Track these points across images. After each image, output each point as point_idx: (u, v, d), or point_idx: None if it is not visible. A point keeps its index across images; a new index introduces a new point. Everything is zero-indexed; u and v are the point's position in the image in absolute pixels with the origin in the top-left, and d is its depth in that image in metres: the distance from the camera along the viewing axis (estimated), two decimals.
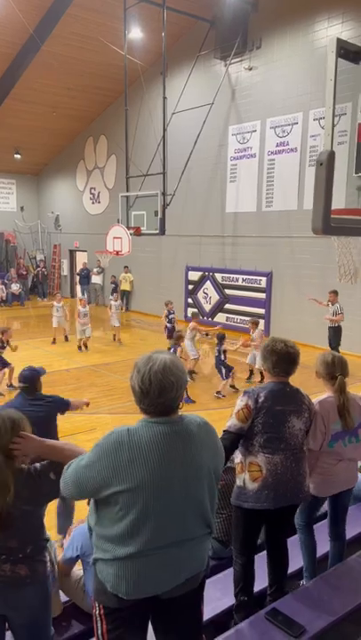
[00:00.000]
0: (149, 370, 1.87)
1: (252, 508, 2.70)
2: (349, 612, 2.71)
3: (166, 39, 11.86)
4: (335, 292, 10.21)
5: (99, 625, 2.02)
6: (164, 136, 12.63)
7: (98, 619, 2.02)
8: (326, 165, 3.01)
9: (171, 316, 11.97)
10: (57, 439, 4.06)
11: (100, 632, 2.02)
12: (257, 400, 2.70)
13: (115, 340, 13.14)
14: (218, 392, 8.91)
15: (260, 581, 2.92)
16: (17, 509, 2.14)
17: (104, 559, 1.93)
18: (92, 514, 1.98)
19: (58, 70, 14.97)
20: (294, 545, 3.24)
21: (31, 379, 4.23)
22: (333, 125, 3.08)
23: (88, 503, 2.06)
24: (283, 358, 2.78)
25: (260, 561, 2.95)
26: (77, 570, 3.11)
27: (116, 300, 13.49)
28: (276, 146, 12.91)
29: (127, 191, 13.56)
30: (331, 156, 2.99)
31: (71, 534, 3.10)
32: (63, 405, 4.42)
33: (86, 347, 12.35)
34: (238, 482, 2.81)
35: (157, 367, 1.87)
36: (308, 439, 2.99)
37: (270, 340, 2.88)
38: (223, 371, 8.97)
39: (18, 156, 19.58)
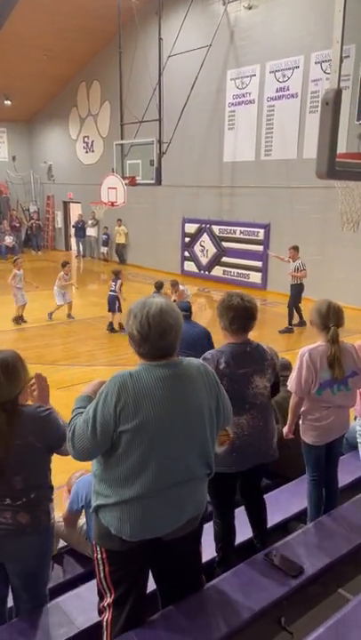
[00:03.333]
0: (146, 314, 1.87)
1: (223, 473, 2.61)
2: (345, 555, 2.76)
3: None
4: (296, 248, 9.96)
5: (101, 568, 2.05)
6: (159, 80, 12.16)
7: (100, 562, 2.05)
8: (333, 105, 2.87)
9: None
10: None
11: (102, 575, 2.05)
12: (218, 367, 2.58)
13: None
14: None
15: (242, 535, 2.94)
16: (21, 440, 2.14)
17: (107, 504, 1.93)
18: (96, 460, 1.98)
19: (48, 10, 14.22)
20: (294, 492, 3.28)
21: (189, 307, 5.12)
22: (341, 61, 2.91)
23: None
24: (240, 314, 2.65)
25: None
26: (81, 520, 3.16)
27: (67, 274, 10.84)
28: (276, 91, 12.45)
29: (122, 139, 13.15)
30: (338, 94, 2.85)
31: (74, 486, 3.12)
32: None
33: (23, 318, 10.58)
34: None
35: (154, 311, 1.87)
36: (292, 386, 3.01)
37: (226, 295, 2.73)
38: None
39: (8, 103, 18.90)
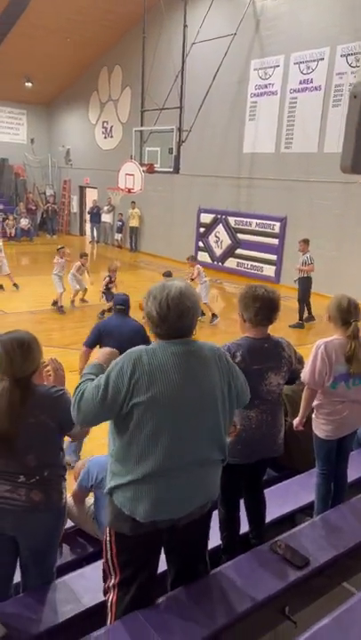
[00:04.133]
0: (166, 296, 1.93)
1: (230, 464, 2.61)
2: (351, 549, 2.77)
3: None
4: (306, 241, 9.88)
5: (109, 549, 2.08)
6: (182, 67, 12.06)
7: (108, 544, 2.08)
8: None
9: None
10: None
11: (109, 556, 2.08)
12: (233, 360, 2.50)
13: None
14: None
15: (246, 525, 2.95)
16: (35, 418, 2.17)
17: (120, 484, 1.95)
18: (112, 440, 2.00)
19: None
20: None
21: (126, 301, 5.01)
22: None
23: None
24: (266, 305, 2.64)
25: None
26: (89, 499, 3.19)
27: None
28: (300, 83, 12.30)
29: (141, 125, 13.10)
30: None
31: (87, 463, 3.15)
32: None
33: (1, 287, 11.39)
34: None
35: (174, 293, 1.93)
36: (306, 377, 2.98)
37: (248, 287, 2.72)
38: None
39: (29, 85, 18.85)
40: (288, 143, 12.78)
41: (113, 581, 2.10)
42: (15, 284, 11.60)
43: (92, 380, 1.97)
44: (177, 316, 1.92)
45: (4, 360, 2.17)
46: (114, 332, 4.78)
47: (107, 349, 2.26)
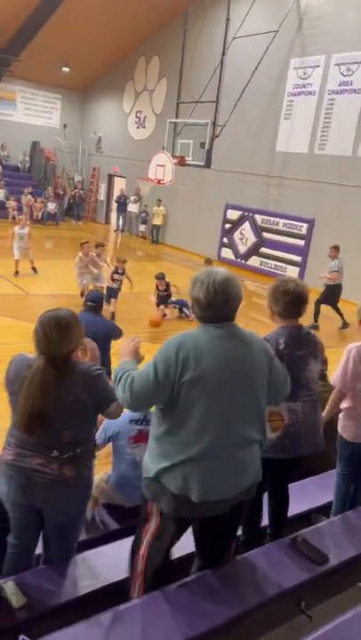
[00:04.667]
0: (213, 281, 2.00)
1: (271, 459, 2.61)
2: None
3: None
4: (336, 248, 9.78)
5: (147, 521, 2.16)
6: (222, 61, 12.00)
7: (145, 516, 2.16)
8: None
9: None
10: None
11: (149, 528, 2.14)
12: (277, 347, 2.60)
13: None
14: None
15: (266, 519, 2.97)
16: (73, 395, 2.20)
17: (169, 466, 1.98)
18: (157, 422, 2.04)
19: None
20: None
21: (99, 299, 4.90)
22: None
23: None
24: (296, 299, 2.68)
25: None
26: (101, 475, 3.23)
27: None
28: (339, 85, 12.17)
29: (176, 117, 13.08)
30: None
31: (103, 424, 3.19)
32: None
33: (17, 273, 11.16)
34: None
35: (220, 279, 2.01)
36: (337, 379, 3.01)
37: (279, 282, 2.77)
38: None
39: (66, 70, 18.91)
40: (322, 145, 12.68)
41: (144, 554, 2.17)
42: (34, 268, 11.56)
43: (130, 373, 2.03)
44: (223, 301, 1.99)
45: (41, 339, 2.19)
46: (87, 329, 4.55)
47: (129, 343, 2.28)
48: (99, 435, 3.14)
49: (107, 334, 4.94)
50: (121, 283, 9.53)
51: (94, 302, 5.00)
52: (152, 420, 2.10)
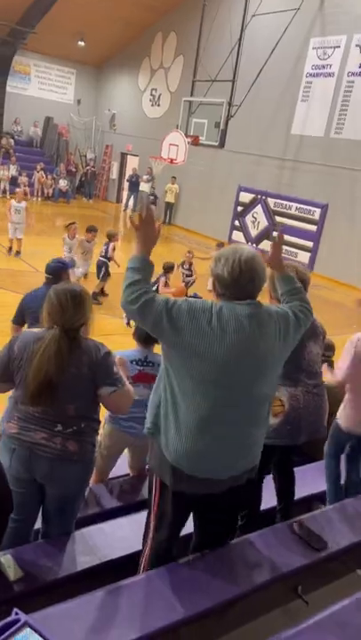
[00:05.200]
0: (239, 259, 1.93)
1: (271, 445, 2.60)
2: None
3: None
4: None
5: (152, 494, 2.17)
6: (240, 39, 11.78)
7: (152, 489, 2.16)
8: None
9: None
10: None
11: (154, 498, 2.16)
12: None
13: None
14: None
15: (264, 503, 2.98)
16: (77, 369, 2.21)
17: (169, 432, 1.97)
18: (161, 387, 2.01)
19: None
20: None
21: (56, 270, 4.10)
22: None
23: None
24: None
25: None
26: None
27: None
28: (359, 67, 11.89)
29: (191, 96, 12.88)
30: None
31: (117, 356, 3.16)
32: None
33: (18, 252, 10.76)
34: None
35: (246, 256, 1.94)
36: (335, 370, 3.01)
37: None
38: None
39: (81, 44, 18.60)
40: (339, 128, 12.44)
41: (150, 528, 2.20)
42: (18, 252, 10.92)
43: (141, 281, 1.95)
44: (249, 279, 1.93)
45: (56, 309, 2.23)
46: (35, 306, 3.59)
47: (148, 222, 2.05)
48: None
49: None
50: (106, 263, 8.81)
51: (51, 274, 4.18)
52: (157, 383, 2.07)
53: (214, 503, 2.12)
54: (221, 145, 12.05)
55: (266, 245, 14.49)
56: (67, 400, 2.22)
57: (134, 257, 2.01)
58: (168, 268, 8.15)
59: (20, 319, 4.00)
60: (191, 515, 2.26)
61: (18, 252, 10.92)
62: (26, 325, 3.91)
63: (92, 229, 8.98)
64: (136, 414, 2.92)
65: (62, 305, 2.23)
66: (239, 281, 1.92)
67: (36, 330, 2.35)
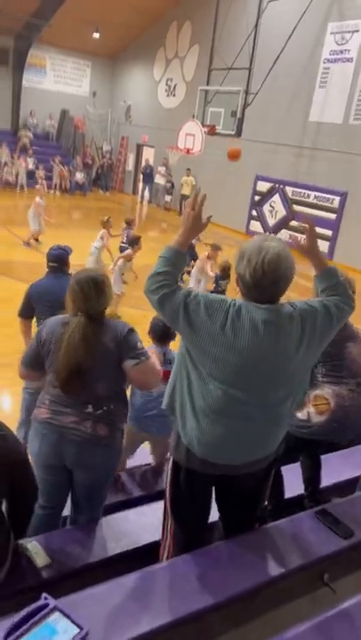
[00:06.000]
0: (262, 259, 1.77)
1: (316, 440, 2.64)
2: None
3: None
4: None
5: (166, 475, 2.18)
6: (256, 26, 11.62)
7: (168, 470, 2.16)
8: None
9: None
10: None
11: (167, 481, 2.17)
12: None
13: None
14: None
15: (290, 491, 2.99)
16: (103, 346, 2.26)
17: (184, 415, 1.97)
18: (182, 365, 1.99)
19: None
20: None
21: (60, 257, 4.09)
22: None
23: None
24: None
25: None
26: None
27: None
28: None
29: (207, 85, 12.76)
30: None
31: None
32: None
33: (37, 240, 11.30)
34: (301, 415, 2.73)
35: (270, 257, 1.77)
36: None
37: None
38: None
39: (96, 35, 18.52)
40: (358, 114, 12.24)
41: (167, 513, 2.20)
42: (31, 242, 11.31)
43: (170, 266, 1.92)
44: (271, 282, 1.79)
45: (79, 297, 2.30)
46: (44, 297, 3.84)
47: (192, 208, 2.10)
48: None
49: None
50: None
51: (56, 262, 4.13)
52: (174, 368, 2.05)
53: (231, 485, 2.12)
54: (238, 134, 11.93)
55: (284, 235, 14.38)
56: (97, 378, 2.27)
57: (170, 248, 1.96)
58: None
59: (27, 311, 3.92)
60: (214, 502, 2.26)
61: (28, 243, 11.28)
62: (34, 319, 3.87)
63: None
64: (153, 412, 2.94)
65: (85, 292, 2.29)
66: (262, 283, 1.79)
67: (59, 316, 2.40)
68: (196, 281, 8.39)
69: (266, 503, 2.84)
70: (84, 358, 2.21)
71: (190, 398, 1.93)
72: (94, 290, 2.29)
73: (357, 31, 12.07)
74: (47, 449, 2.31)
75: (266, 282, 1.79)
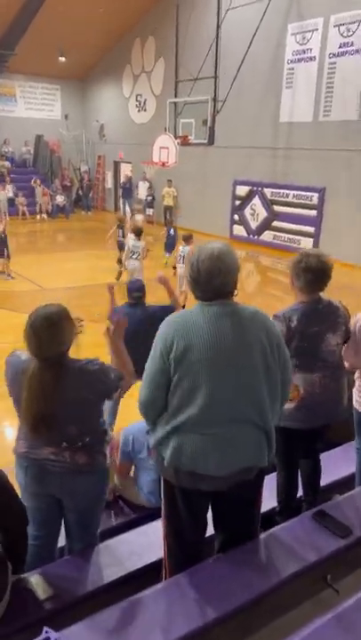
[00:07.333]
0: (197, 259, 2.00)
1: (287, 427, 2.65)
2: None
3: None
4: None
5: (162, 498, 2.22)
6: (217, 35, 11.76)
7: (162, 492, 2.21)
8: None
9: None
10: None
11: (161, 505, 2.23)
12: (289, 325, 2.58)
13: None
14: None
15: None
16: (76, 394, 2.18)
17: (163, 435, 2.03)
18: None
19: None
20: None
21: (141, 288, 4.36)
22: None
23: None
24: (318, 275, 2.63)
25: None
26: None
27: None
28: (339, 47, 11.81)
29: (175, 97, 12.88)
30: None
31: (122, 432, 3.20)
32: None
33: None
34: None
35: (204, 256, 1.99)
36: (351, 355, 2.91)
37: (301, 256, 2.68)
38: None
39: (62, 59, 18.68)
40: (327, 111, 12.36)
41: (164, 532, 2.22)
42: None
43: None
44: (206, 279, 1.97)
45: (32, 341, 2.10)
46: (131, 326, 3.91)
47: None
48: (122, 447, 3.15)
49: (153, 323, 4.21)
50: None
51: (140, 292, 4.33)
52: None
53: (223, 498, 2.13)
54: (211, 142, 12.03)
55: (268, 237, 14.46)
56: (67, 423, 2.20)
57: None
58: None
59: None
60: (210, 516, 2.27)
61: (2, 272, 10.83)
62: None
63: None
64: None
65: (38, 335, 2.08)
66: (199, 281, 1.99)
67: (23, 356, 2.23)
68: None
69: (278, 501, 2.86)
70: (45, 407, 2.09)
71: (167, 420, 2.01)
72: (47, 333, 2.07)
73: (317, 29, 12.24)
74: (31, 480, 2.29)
75: (202, 279, 1.98)
